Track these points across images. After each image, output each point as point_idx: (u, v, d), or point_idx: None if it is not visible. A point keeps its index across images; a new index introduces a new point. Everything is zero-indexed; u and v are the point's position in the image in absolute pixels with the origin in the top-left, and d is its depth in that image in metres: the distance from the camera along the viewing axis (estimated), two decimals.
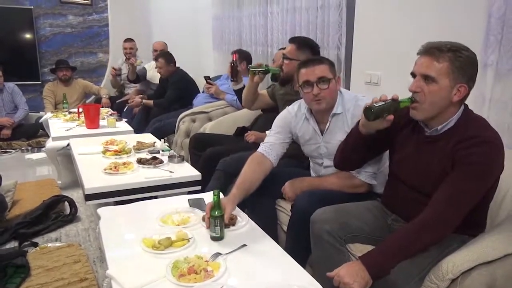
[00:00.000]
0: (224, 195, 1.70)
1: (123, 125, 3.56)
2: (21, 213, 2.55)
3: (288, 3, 3.38)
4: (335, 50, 2.92)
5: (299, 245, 1.69)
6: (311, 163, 2.06)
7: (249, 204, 2.00)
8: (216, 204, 1.47)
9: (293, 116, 1.95)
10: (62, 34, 5.29)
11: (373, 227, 1.56)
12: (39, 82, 5.12)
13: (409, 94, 1.39)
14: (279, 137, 1.93)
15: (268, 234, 1.55)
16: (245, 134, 2.76)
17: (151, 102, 4.16)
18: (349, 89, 2.81)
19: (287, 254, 1.40)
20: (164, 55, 4.07)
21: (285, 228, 1.91)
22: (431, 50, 1.33)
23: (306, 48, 2.27)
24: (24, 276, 1.85)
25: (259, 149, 1.92)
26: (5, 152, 4.21)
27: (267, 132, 2.64)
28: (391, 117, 1.39)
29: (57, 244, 2.27)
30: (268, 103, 2.69)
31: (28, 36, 5.10)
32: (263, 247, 1.46)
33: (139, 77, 4.60)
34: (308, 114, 1.89)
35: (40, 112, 4.88)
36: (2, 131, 4.34)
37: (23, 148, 4.36)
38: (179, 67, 4.17)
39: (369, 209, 1.63)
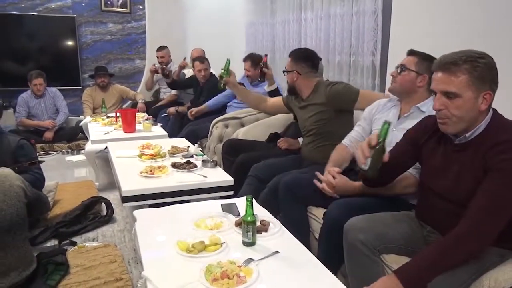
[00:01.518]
0: (256, 201, 1.71)
1: (158, 129, 3.65)
2: (61, 212, 2.65)
3: (323, 10, 3.37)
4: (370, 56, 2.89)
5: (331, 254, 1.67)
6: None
7: (281, 211, 2.00)
8: (249, 210, 1.48)
9: (380, 105, 2.03)
10: (102, 41, 5.51)
11: (408, 238, 1.53)
12: (80, 87, 5.35)
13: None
14: (361, 127, 2.07)
15: (300, 242, 1.55)
16: (278, 141, 2.77)
17: (185, 108, 4.27)
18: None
19: (320, 263, 1.39)
20: (206, 59, 4.21)
21: (317, 235, 1.89)
22: (447, 66, 1.29)
23: (300, 60, 2.43)
24: (63, 274, 1.92)
25: (343, 140, 2.11)
26: (47, 153, 4.40)
27: (299, 139, 2.65)
28: (386, 158, 1.42)
29: (94, 243, 2.35)
30: (281, 109, 2.77)
31: (70, 43, 5.34)
32: (296, 255, 1.45)
33: (176, 82, 4.69)
34: (396, 101, 1.96)
35: (80, 116, 5.08)
36: (45, 134, 4.54)
37: (63, 150, 4.55)
38: (213, 73, 4.25)
39: (404, 219, 1.59)
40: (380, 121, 1.97)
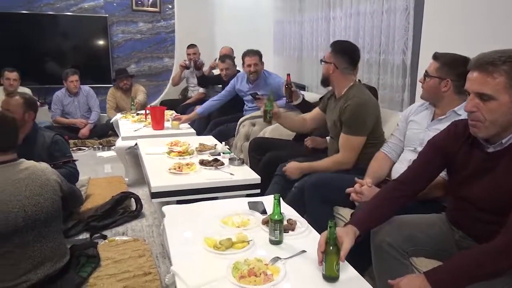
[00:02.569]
0: (283, 200, 1.71)
1: (186, 127, 3.71)
2: (92, 207, 2.74)
3: (352, 8, 3.33)
4: (401, 55, 2.83)
5: (358, 255, 1.65)
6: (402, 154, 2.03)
7: (307, 210, 1.99)
8: (276, 209, 1.48)
9: (415, 106, 2.02)
10: (132, 40, 5.63)
11: (439, 242, 1.49)
12: (110, 85, 5.48)
13: None
14: (399, 131, 2.05)
15: None
16: (305, 139, 2.76)
17: (189, 115, 4.28)
18: (415, 96, 2.71)
19: (347, 263, 1.38)
20: (229, 57, 4.23)
21: None
22: (484, 65, 1.21)
23: (340, 53, 2.31)
24: (94, 266, 1.98)
25: (383, 148, 2.10)
26: (79, 149, 4.55)
27: (327, 138, 2.63)
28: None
29: (124, 238, 2.41)
30: (322, 118, 2.62)
31: (102, 42, 5.49)
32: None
33: (205, 78, 4.72)
34: (428, 104, 1.94)
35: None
36: (81, 131, 4.72)
37: (95, 147, 4.69)
38: (239, 71, 4.27)
39: (435, 222, 1.55)
40: (414, 123, 1.94)
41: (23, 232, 1.69)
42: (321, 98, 2.78)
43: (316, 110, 2.66)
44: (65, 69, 4.98)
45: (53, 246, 1.82)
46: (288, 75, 3.09)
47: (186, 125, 3.78)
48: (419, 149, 1.87)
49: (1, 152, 1.71)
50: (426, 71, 1.86)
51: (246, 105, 3.89)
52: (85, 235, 2.49)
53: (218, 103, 3.88)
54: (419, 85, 2.68)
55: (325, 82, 2.43)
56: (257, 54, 3.66)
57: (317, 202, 1.95)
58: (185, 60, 5.07)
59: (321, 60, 2.40)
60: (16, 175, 1.71)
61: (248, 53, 3.67)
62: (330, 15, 3.70)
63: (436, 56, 1.84)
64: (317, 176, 2.08)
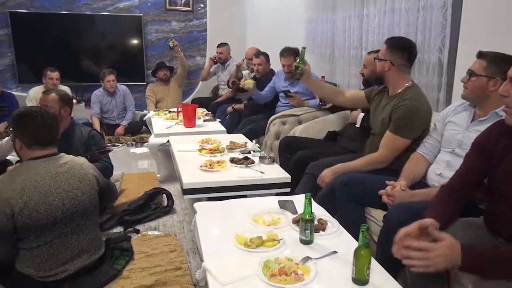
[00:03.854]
0: (313, 199, 1.71)
1: (217, 125, 3.75)
2: (126, 201, 2.81)
3: (386, 5, 3.26)
4: (437, 53, 2.74)
5: (391, 258, 1.62)
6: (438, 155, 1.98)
7: (337, 211, 1.97)
8: (307, 208, 1.47)
9: (453, 107, 1.97)
10: (165, 39, 5.73)
11: (476, 246, 1.44)
12: (144, 83, 5.62)
13: None
14: (436, 131, 2.00)
15: None
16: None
17: (242, 105, 4.35)
18: (451, 96, 2.63)
19: (380, 266, 1.36)
20: (263, 53, 4.24)
21: (375, 238, 1.85)
22: None
23: (397, 50, 2.22)
24: (128, 259, 2.03)
25: (419, 149, 2.05)
26: (114, 145, 4.69)
27: (360, 114, 2.55)
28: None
29: (156, 233, 2.46)
30: (360, 102, 2.58)
31: (136, 41, 5.62)
32: None
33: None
34: (467, 105, 1.89)
35: (144, 111, 5.35)
36: (117, 130, 4.90)
37: (128, 143, 4.82)
38: (272, 69, 4.28)
39: (473, 226, 1.50)
40: (453, 124, 1.88)
41: (61, 224, 1.75)
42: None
43: (360, 93, 2.60)
44: (101, 68, 5.16)
45: (90, 239, 1.88)
46: (323, 77, 3.07)
47: (217, 123, 3.82)
48: (457, 150, 1.82)
49: (43, 146, 1.78)
50: (470, 70, 1.79)
51: (280, 101, 3.89)
52: (119, 229, 2.55)
53: (267, 97, 3.99)
54: (456, 85, 2.62)
55: (379, 80, 2.37)
56: (293, 54, 3.63)
57: (348, 202, 1.92)
58: (214, 56, 5.15)
59: (375, 58, 2.33)
60: (56, 169, 1.78)
61: (283, 53, 3.67)
62: (363, 12, 3.64)
63: (482, 54, 1.77)
64: (348, 176, 2.05)
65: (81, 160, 1.94)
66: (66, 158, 1.86)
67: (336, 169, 2.23)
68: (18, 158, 2.62)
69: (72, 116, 2.70)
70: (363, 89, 3.05)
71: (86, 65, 5.57)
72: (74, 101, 3.50)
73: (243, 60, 4.88)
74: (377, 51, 2.80)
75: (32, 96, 4.54)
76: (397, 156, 2.15)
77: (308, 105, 3.55)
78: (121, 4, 5.53)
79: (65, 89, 4.74)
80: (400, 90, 2.23)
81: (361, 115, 2.65)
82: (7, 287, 1.80)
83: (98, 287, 1.82)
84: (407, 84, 2.23)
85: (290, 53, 3.64)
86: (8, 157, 2.87)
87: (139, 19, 5.54)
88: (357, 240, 1.53)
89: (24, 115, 1.77)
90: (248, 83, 3.73)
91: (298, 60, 2.43)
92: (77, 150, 2.43)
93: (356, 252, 1.25)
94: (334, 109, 3.17)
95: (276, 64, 4.40)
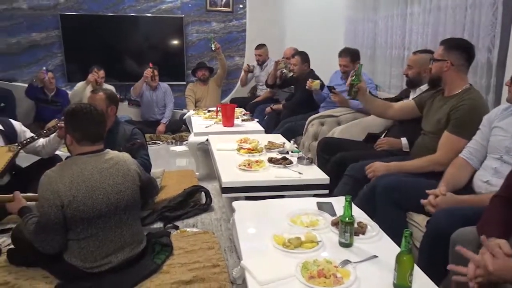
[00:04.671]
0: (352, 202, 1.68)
1: (255, 125, 3.77)
2: (166, 198, 2.89)
3: (432, 3, 3.16)
4: (486, 53, 2.62)
5: (434, 264, 1.57)
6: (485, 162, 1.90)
7: (377, 214, 1.93)
8: (347, 211, 1.46)
9: (499, 111, 1.89)
10: (206, 39, 5.83)
11: None
12: (184, 83, 5.73)
13: None
14: (480, 136, 1.92)
15: None
16: (379, 140, 2.67)
17: (280, 106, 4.35)
18: (500, 98, 2.50)
19: (422, 273, 1.32)
20: (300, 54, 4.22)
21: (417, 243, 1.79)
22: None
23: (456, 50, 2.15)
24: (168, 254, 2.09)
25: (462, 153, 1.97)
26: (154, 143, 4.82)
27: (402, 139, 2.52)
28: None
29: (194, 229, 2.51)
30: (411, 112, 2.50)
31: (178, 41, 5.75)
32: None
33: (285, 83, 4.76)
34: None
35: (183, 110, 5.47)
36: (158, 128, 5.04)
37: (168, 141, 4.94)
38: (312, 70, 4.24)
39: None
40: (500, 129, 1.80)
41: (106, 217, 1.83)
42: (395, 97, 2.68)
43: (409, 103, 2.53)
44: (143, 67, 5.32)
45: (132, 232, 1.95)
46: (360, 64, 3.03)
47: (255, 122, 3.84)
48: (505, 157, 1.74)
49: (91, 142, 1.86)
50: None
51: (326, 100, 3.85)
52: (158, 224, 2.63)
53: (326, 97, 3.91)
54: (506, 87, 2.49)
55: (435, 82, 2.30)
56: (349, 55, 3.60)
57: (389, 205, 1.88)
58: (248, 64, 5.17)
59: (432, 59, 2.26)
60: (102, 164, 1.86)
61: (341, 53, 3.64)
62: (406, 11, 3.54)
63: None
64: (390, 178, 2.00)
65: (125, 156, 2.01)
66: (111, 154, 1.94)
67: (390, 166, 2.17)
68: (66, 154, 2.76)
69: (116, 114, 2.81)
70: (405, 89, 2.98)
71: (129, 65, 5.76)
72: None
73: (282, 58, 4.87)
74: (424, 51, 2.72)
75: (77, 89, 4.79)
76: (455, 157, 2.05)
77: (350, 105, 3.49)
78: (163, 5, 5.68)
79: (110, 88, 4.94)
80: (458, 91, 2.16)
81: (404, 139, 2.57)
82: (56, 276, 1.90)
83: (139, 280, 1.88)
84: (465, 86, 2.16)
85: (347, 53, 3.61)
86: (57, 153, 3.02)
87: (181, 20, 5.66)
88: (398, 245, 1.49)
89: (75, 111, 1.86)
90: (315, 84, 3.70)
91: (353, 77, 2.38)
92: (120, 147, 2.52)
93: (399, 258, 1.22)
94: None
95: (315, 64, 4.38)
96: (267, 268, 1.35)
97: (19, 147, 2.74)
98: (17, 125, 2.90)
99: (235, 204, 1.91)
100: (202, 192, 2.98)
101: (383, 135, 2.90)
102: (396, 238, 1.68)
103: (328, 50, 5.10)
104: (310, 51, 4.46)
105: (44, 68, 4.84)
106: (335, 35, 4.93)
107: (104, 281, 1.82)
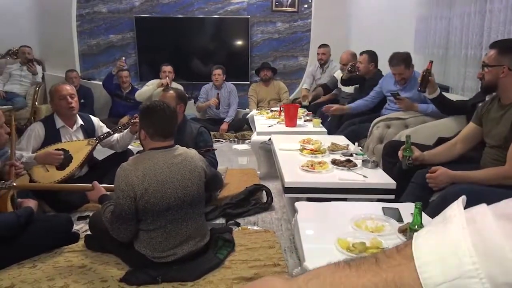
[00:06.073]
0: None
1: (318, 126, 3.73)
2: (228, 195, 2.96)
3: None
4: None
5: None
6: None
7: None
8: (417, 218, 1.40)
9: None
10: (270, 39, 5.88)
11: None
12: (248, 83, 5.83)
13: None
14: None
15: None
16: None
17: (344, 107, 4.25)
18: None
19: None
20: (368, 52, 4.10)
21: None
22: None
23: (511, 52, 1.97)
24: (230, 250, 2.14)
25: None
26: (218, 141, 4.95)
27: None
28: None
29: (255, 227, 2.55)
30: (477, 134, 2.29)
31: (243, 42, 5.86)
32: None
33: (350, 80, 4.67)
34: None
35: (246, 109, 5.56)
36: (221, 127, 5.18)
37: (231, 139, 5.05)
38: (379, 70, 4.11)
39: None
40: None
41: (173, 211, 1.92)
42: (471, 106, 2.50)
43: (469, 127, 2.32)
44: (208, 67, 5.50)
45: (197, 226, 2.03)
46: (431, 62, 2.89)
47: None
48: None
49: (163, 138, 1.96)
50: None
51: (388, 104, 3.72)
52: (220, 221, 2.70)
53: (369, 103, 3.85)
54: None
55: (489, 89, 2.16)
56: (403, 63, 3.41)
57: None
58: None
59: (484, 65, 2.11)
60: (172, 159, 1.95)
61: (391, 61, 3.45)
62: (485, 8, 3.30)
63: None
64: (465, 188, 1.88)
65: (193, 152, 2.09)
66: (180, 150, 2.03)
67: (455, 176, 2.04)
68: (137, 149, 2.93)
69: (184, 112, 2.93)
70: (479, 92, 2.79)
71: (196, 64, 5.97)
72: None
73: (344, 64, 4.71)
74: None
75: (146, 89, 5.07)
76: None
77: (418, 109, 3.33)
78: (230, 7, 5.81)
79: (179, 87, 5.16)
80: None
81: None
82: (127, 263, 2.03)
83: (202, 273, 1.95)
84: None
85: (399, 61, 3.41)
86: (129, 147, 3.22)
87: (247, 21, 5.76)
88: None
89: (150, 108, 1.97)
90: (316, 122, 3.68)
91: (405, 149, 2.25)
92: (187, 144, 2.62)
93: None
94: (440, 104, 2.94)
95: (381, 65, 4.23)
96: None
97: (97, 141, 2.96)
98: (95, 120, 3.14)
99: (297, 204, 1.91)
100: (264, 191, 3.02)
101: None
102: None
103: (396, 49, 4.92)
104: (377, 50, 4.31)
105: (123, 57, 5.07)
106: (404, 34, 4.73)
107: (170, 271, 1.91)
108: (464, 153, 2.35)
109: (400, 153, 2.31)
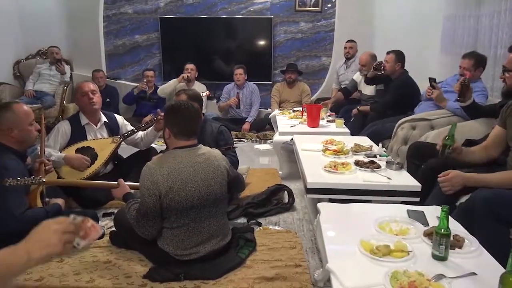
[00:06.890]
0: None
1: (341, 126, 3.69)
2: (250, 194, 2.96)
3: None
4: None
5: None
6: None
7: (478, 229, 1.78)
8: (444, 222, 1.37)
9: None
10: (293, 39, 5.85)
11: None
12: (270, 83, 5.82)
13: None
14: None
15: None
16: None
17: (367, 108, 4.21)
18: None
19: None
20: (395, 52, 4.02)
21: None
22: None
23: None
24: (251, 250, 2.15)
25: None
26: (240, 141, 4.97)
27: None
28: None
29: (277, 228, 2.54)
30: (503, 137, 2.21)
31: (266, 42, 5.85)
32: (497, 282, 1.27)
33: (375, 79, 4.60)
34: None
35: (268, 109, 5.56)
36: (243, 126, 5.19)
37: (253, 139, 5.06)
38: (406, 70, 4.03)
39: None
40: None
41: (196, 209, 1.94)
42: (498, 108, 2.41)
43: (496, 131, 2.25)
44: (231, 67, 5.53)
45: (219, 225, 2.04)
46: (468, 70, 2.80)
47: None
48: None
49: (187, 137, 1.99)
50: None
51: (424, 97, 3.60)
52: (242, 220, 2.70)
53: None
54: None
55: (511, 94, 2.10)
56: (473, 58, 3.15)
57: (491, 220, 1.72)
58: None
59: (504, 70, 2.05)
60: (195, 158, 1.97)
61: (465, 55, 3.23)
62: None
63: None
64: (493, 192, 1.83)
65: (216, 152, 2.11)
66: (204, 149, 2.05)
67: (469, 178, 1.97)
68: (161, 147, 2.97)
69: (204, 112, 2.94)
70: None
71: (218, 64, 6.00)
72: (204, 94, 3.77)
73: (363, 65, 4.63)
74: None
75: (167, 85, 5.17)
76: None
77: (445, 106, 3.23)
78: (253, 7, 5.81)
79: (201, 86, 5.21)
80: None
81: None
82: (150, 260, 2.06)
83: (224, 271, 1.96)
84: None
85: (471, 56, 3.18)
86: (152, 145, 3.27)
87: (270, 21, 5.75)
88: (501, 264, 1.37)
89: (175, 107, 2.00)
90: (338, 123, 3.70)
91: (446, 137, 2.12)
92: (208, 143, 2.63)
93: (504, 278, 1.12)
94: (472, 111, 2.86)
95: (407, 66, 4.15)
96: (354, 273, 1.32)
97: (121, 139, 3.02)
98: (119, 119, 3.20)
99: (320, 205, 1.90)
100: (285, 191, 3.01)
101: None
102: (498, 256, 1.53)
103: (423, 50, 4.83)
104: (404, 49, 4.23)
105: (144, 80, 5.40)
106: (431, 34, 4.63)
107: (192, 269, 1.93)
108: (498, 156, 2.26)
109: (440, 141, 2.18)
